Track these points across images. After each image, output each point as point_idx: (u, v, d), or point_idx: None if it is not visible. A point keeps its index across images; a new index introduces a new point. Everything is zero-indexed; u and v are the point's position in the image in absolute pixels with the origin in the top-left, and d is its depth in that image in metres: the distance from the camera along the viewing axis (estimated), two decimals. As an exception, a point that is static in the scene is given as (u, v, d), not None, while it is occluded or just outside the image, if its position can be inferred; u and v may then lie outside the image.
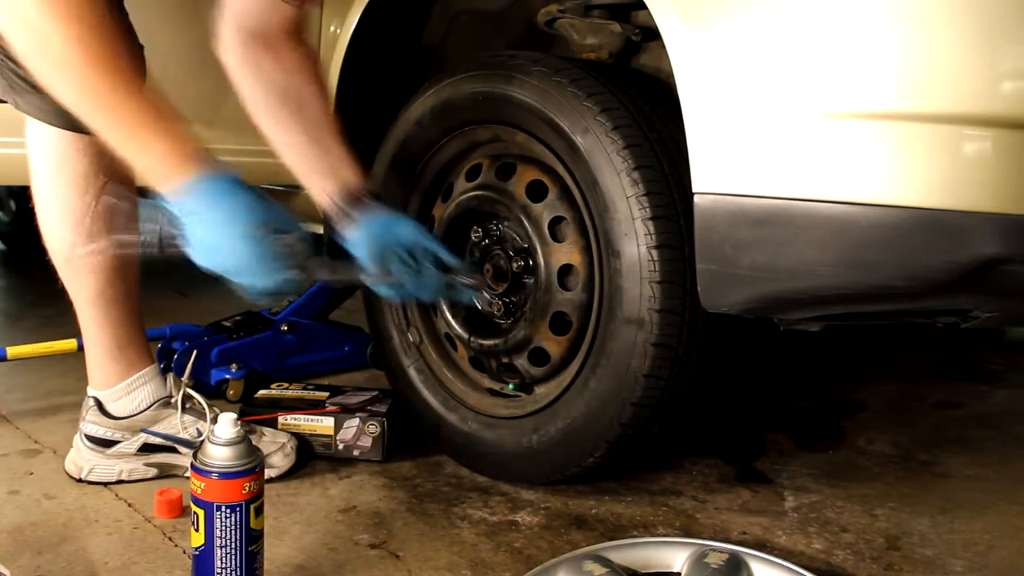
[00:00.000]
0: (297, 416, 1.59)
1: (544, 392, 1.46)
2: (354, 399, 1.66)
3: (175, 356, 1.83)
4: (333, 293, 2.12)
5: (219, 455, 1.06)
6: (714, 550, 1.18)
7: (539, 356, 1.44)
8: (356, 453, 1.57)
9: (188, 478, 1.08)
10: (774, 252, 1.12)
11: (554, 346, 1.41)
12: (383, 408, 1.61)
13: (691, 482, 1.53)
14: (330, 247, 1.80)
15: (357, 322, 2.03)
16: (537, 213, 1.40)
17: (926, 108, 1.01)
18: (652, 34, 1.48)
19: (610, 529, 1.35)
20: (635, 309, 1.27)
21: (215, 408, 1.50)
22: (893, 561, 1.28)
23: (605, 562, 1.14)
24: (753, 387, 2.09)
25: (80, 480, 1.46)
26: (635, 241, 1.26)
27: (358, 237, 1.32)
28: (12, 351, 1.84)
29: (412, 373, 1.61)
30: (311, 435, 1.58)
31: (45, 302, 2.73)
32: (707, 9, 1.15)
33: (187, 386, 1.48)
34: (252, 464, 1.07)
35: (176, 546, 1.27)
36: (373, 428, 1.56)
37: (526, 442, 1.43)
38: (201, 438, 1.43)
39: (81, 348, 1.87)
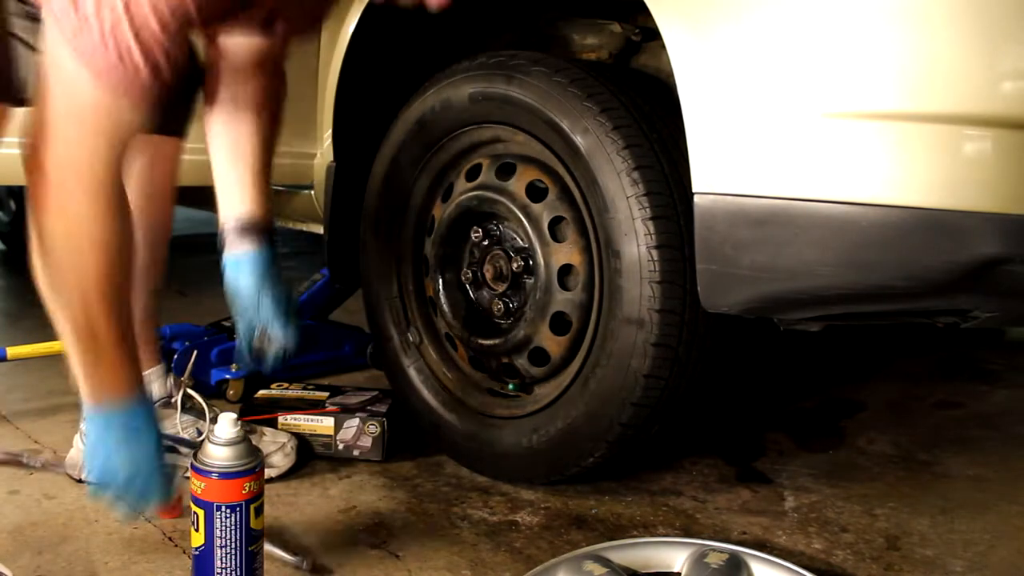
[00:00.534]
0: (297, 416, 1.59)
1: (544, 392, 1.46)
2: (354, 399, 1.66)
3: (175, 356, 1.82)
4: (333, 293, 2.12)
5: (219, 455, 1.06)
6: (714, 550, 1.18)
7: (539, 356, 1.44)
8: (356, 453, 1.57)
9: (188, 478, 1.08)
10: (774, 252, 1.12)
11: (554, 346, 1.41)
12: (383, 408, 1.61)
13: (691, 482, 1.53)
14: (330, 247, 1.80)
15: (357, 322, 2.03)
16: (537, 213, 1.40)
17: (926, 108, 1.02)
18: (652, 34, 1.48)
19: (610, 529, 1.35)
20: (635, 309, 1.27)
21: (215, 408, 1.50)
22: (893, 561, 1.28)
23: (605, 562, 1.14)
24: (753, 387, 2.09)
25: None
26: (635, 241, 1.26)
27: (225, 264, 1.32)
28: (12, 351, 1.84)
29: (412, 373, 1.61)
30: (311, 435, 1.58)
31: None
32: (707, 9, 1.15)
33: (187, 386, 1.49)
34: (252, 464, 1.07)
35: (176, 546, 1.27)
36: (373, 428, 1.56)
37: (526, 442, 1.43)
38: (201, 438, 1.43)
39: (81, 348, 1.87)
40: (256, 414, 1.61)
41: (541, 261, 1.40)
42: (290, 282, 1.29)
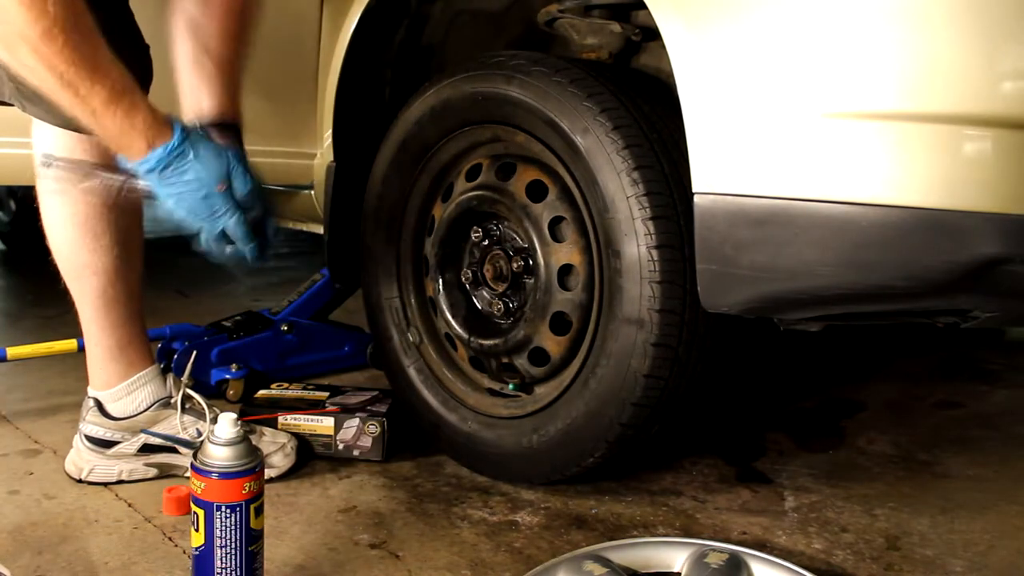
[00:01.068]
0: (297, 416, 1.59)
1: (544, 392, 1.46)
2: (354, 399, 1.66)
3: (175, 356, 1.83)
4: (333, 293, 2.12)
5: (219, 455, 1.06)
6: (714, 550, 1.18)
7: (539, 356, 1.44)
8: (356, 453, 1.57)
9: (188, 478, 1.09)
10: (774, 252, 1.12)
11: (554, 346, 1.41)
12: (383, 408, 1.61)
13: (691, 482, 1.53)
14: (330, 247, 1.80)
15: (357, 322, 2.03)
16: (537, 213, 1.40)
17: (926, 108, 1.02)
18: (652, 34, 1.48)
19: (610, 529, 1.35)
20: (635, 309, 1.27)
21: (215, 408, 1.50)
22: (893, 561, 1.28)
23: (605, 562, 1.14)
24: (753, 387, 2.09)
25: (80, 480, 1.46)
26: (635, 241, 1.26)
27: None
28: (12, 351, 1.84)
29: (412, 373, 1.61)
30: (311, 435, 1.58)
31: (45, 302, 2.73)
32: (707, 9, 1.15)
33: (187, 386, 1.48)
34: (252, 464, 1.07)
35: (176, 546, 1.27)
36: (373, 428, 1.56)
37: (526, 442, 1.43)
38: (201, 438, 1.43)
39: (81, 348, 1.87)
40: (256, 414, 1.61)
41: (541, 261, 1.40)
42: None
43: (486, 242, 1.51)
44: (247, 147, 1.32)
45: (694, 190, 1.16)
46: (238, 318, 2.00)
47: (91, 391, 1.48)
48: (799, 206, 1.08)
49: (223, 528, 1.05)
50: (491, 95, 1.41)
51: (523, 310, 1.45)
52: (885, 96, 1.03)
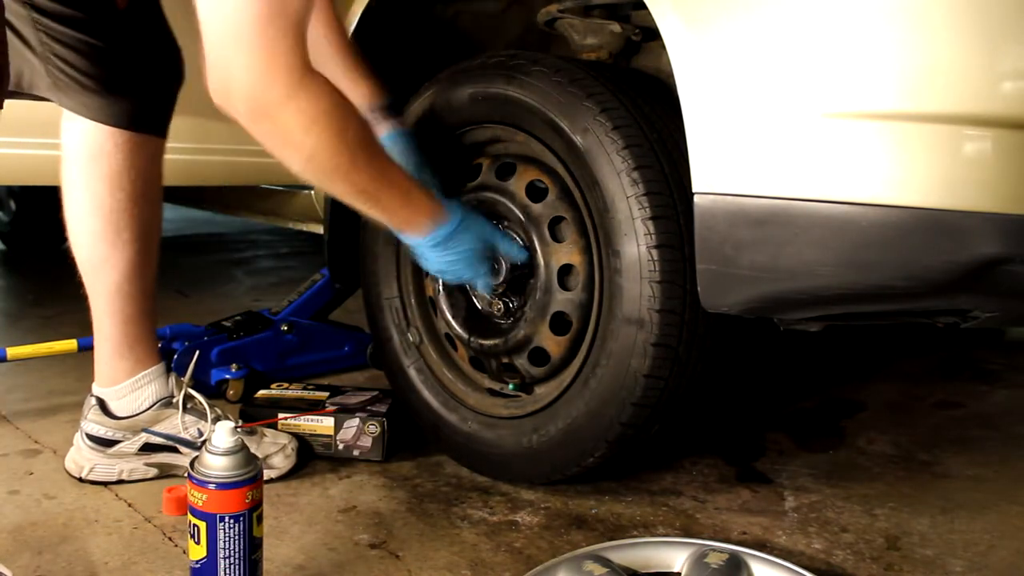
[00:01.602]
0: (297, 416, 1.59)
1: (544, 392, 1.46)
2: (354, 399, 1.66)
3: (175, 356, 1.83)
4: (333, 293, 2.12)
5: (220, 465, 1.04)
6: (714, 550, 1.18)
7: (539, 356, 1.44)
8: (356, 453, 1.57)
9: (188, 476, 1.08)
10: (774, 252, 1.12)
11: (554, 346, 1.41)
12: (383, 408, 1.61)
13: (691, 482, 1.53)
14: (330, 247, 1.80)
15: (357, 322, 2.03)
16: (537, 213, 1.40)
17: (926, 108, 1.02)
18: (652, 34, 1.48)
19: (610, 529, 1.35)
20: (635, 309, 1.27)
21: (216, 408, 1.51)
22: (893, 561, 1.28)
23: (605, 562, 1.14)
24: (753, 387, 2.09)
25: (80, 479, 1.46)
26: (635, 241, 1.26)
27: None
28: (12, 351, 1.84)
29: (412, 373, 1.61)
30: (311, 435, 1.58)
31: (45, 302, 2.74)
32: (707, 9, 1.15)
33: (188, 386, 1.49)
34: (253, 472, 1.06)
35: (176, 546, 1.27)
36: (373, 428, 1.56)
37: (526, 442, 1.43)
38: (202, 439, 1.43)
39: (81, 348, 1.87)
40: (256, 414, 1.61)
41: (541, 261, 1.40)
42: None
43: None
44: (248, 147, 1.34)
45: (694, 190, 1.16)
46: (238, 318, 2.00)
47: (96, 388, 1.48)
48: (799, 206, 1.08)
49: (227, 539, 1.04)
50: (491, 95, 1.41)
51: (523, 310, 1.45)
52: (885, 96, 1.03)
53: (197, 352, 1.53)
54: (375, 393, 1.69)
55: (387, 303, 1.64)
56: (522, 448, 1.43)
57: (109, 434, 1.46)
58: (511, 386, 1.52)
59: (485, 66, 1.43)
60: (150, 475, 1.48)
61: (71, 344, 1.85)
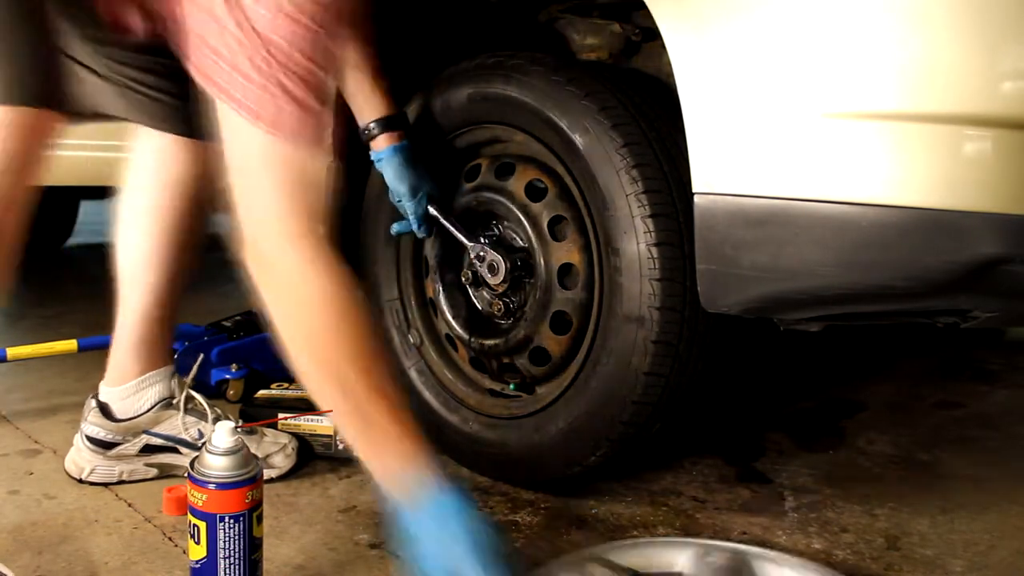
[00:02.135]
0: (297, 416, 1.59)
1: (545, 392, 1.46)
2: (354, 399, 1.65)
3: (175, 356, 1.82)
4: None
5: (221, 465, 1.04)
6: (717, 548, 1.18)
7: (540, 356, 1.44)
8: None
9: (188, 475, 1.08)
10: (774, 252, 1.11)
11: (555, 345, 1.41)
12: (383, 408, 1.60)
13: (691, 482, 1.53)
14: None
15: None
16: (536, 212, 1.40)
17: (926, 108, 1.01)
18: (652, 34, 1.48)
19: (610, 529, 1.35)
20: (635, 307, 1.27)
21: (216, 409, 1.51)
22: (893, 561, 1.28)
23: (607, 562, 1.14)
24: (753, 387, 2.09)
25: (80, 480, 1.46)
26: (635, 239, 1.26)
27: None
28: (12, 352, 1.84)
29: (413, 375, 1.61)
30: (311, 435, 1.58)
31: (45, 302, 2.74)
32: (707, 9, 1.15)
33: (188, 387, 1.49)
34: (253, 472, 1.06)
35: (176, 546, 1.27)
36: (373, 428, 1.56)
37: (527, 442, 1.43)
38: (203, 440, 1.43)
39: (81, 348, 1.87)
40: (256, 414, 1.61)
41: (541, 260, 1.40)
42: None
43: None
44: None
45: (694, 190, 1.16)
46: (238, 318, 2.00)
47: (102, 388, 1.49)
48: (799, 206, 1.08)
49: (227, 539, 1.04)
50: (490, 95, 1.41)
51: (523, 310, 1.45)
52: (885, 96, 1.03)
53: (201, 355, 1.53)
54: (375, 393, 1.69)
55: (387, 304, 1.64)
56: (524, 448, 1.43)
57: (109, 436, 1.46)
58: (512, 386, 1.52)
59: (483, 66, 1.43)
60: (150, 475, 1.48)
61: (71, 344, 1.85)
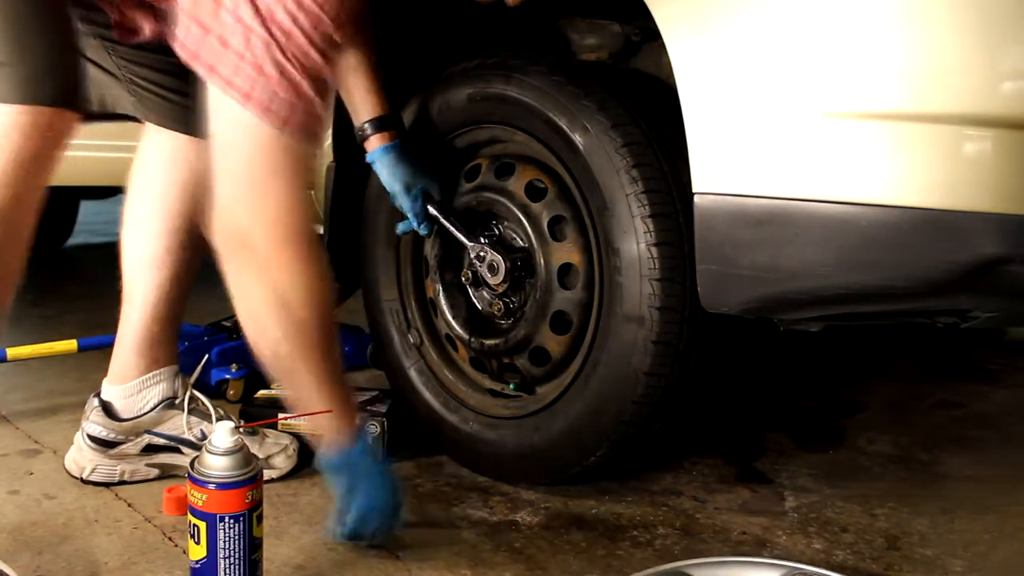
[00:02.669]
0: (297, 416, 1.58)
1: (545, 392, 1.46)
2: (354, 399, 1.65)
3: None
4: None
5: (221, 465, 1.04)
6: (804, 573, 1.13)
7: (540, 356, 1.44)
8: (356, 453, 1.57)
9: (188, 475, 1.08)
10: (774, 252, 1.12)
11: (555, 345, 1.41)
12: (383, 408, 1.61)
13: (691, 482, 1.53)
14: (330, 247, 1.80)
15: (357, 322, 2.03)
16: (536, 212, 1.40)
17: (926, 108, 1.01)
18: (652, 34, 1.47)
19: (610, 529, 1.35)
20: (635, 307, 1.27)
21: (219, 409, 1.51)
22: (893, 561, 1.28)
23: None
24: (753, 387, 2.09)
25: (81, 479, 1.46)
26: (634, 239, 1.26)
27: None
28: (12, 352, 1.84)
29: (413, 375, 1.61)
30: (311, 435, 1.57)
31: (45, 302, 2.73)
32: (707, 9, 1.15)
33: (190, 386, 1.49)
34: (253, 472, 1.06)
35: (176, 546, 1.27)
36: (373, 428, 1.56)
37: (528, 442, 1.43)
38: (204, 440, 1.43)
39: (81, 348, 1.87)
40: (256, 414, 1.61)
41: (541, 260, 1.40)
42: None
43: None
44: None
45: (694, 190, 1.16)
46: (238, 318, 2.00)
47: (105, 386, 1.48)
48: (799, 206, 1.08)
49: (227, 539, 1.04)
50: (490, 95, 1.41)
51: (523, 310, 1.45)
52: (885, 96, 1.03)
53: (206, 356, 1.53)
54: (375, 393, 1.69)
55: (387, 305, 1.64)
56: (524, 448, 1.43)
57: (111, 436, 1.46)
58: (512, 386, 1.52)
59: (484, 66, 1.43)
60: (151, 476, 1.48)
61: (71, 344, 1.85)
